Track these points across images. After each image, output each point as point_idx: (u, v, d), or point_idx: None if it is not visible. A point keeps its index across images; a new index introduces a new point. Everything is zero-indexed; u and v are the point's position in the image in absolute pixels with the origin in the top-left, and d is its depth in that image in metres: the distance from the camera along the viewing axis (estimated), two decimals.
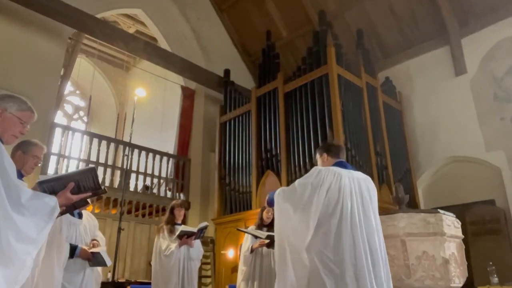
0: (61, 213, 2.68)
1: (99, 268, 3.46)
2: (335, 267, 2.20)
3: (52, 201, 1.76)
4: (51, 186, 1.86)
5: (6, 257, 1.54)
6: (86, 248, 3.21)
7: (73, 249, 3.13)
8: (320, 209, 2.32)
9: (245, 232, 4.33)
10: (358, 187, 2.45)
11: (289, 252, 2.37)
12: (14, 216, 1.58)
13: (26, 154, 2.38)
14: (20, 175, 2.24)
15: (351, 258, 2.22)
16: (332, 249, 2.24)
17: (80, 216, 3.30)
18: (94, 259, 3.24)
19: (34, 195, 1.72)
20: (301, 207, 2.36)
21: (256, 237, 4.20)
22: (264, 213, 4.38)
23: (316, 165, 2.71)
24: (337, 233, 2.27)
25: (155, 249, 4.13)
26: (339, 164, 2.58)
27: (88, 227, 3.38)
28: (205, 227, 4.18)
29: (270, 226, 4.35)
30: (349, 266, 2.20)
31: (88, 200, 2.75)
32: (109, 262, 3.35)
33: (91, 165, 2.25)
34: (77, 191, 1.91)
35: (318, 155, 2.77)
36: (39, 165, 2.64)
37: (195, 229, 4.06)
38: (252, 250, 4.22)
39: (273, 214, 4.33)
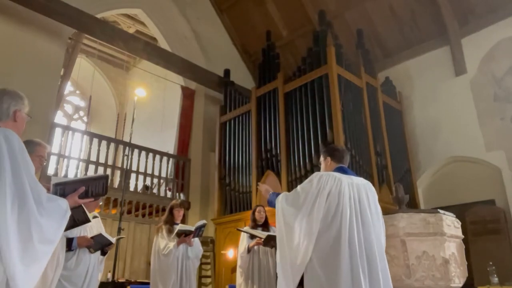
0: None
1: (101, 267, 3.45)
2: (332, 275, 2.23)
3: (64, 204, 1.79)
4: (62, 189, 1.91)
5: (30, 257, 1.55)
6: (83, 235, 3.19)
7: (70, 241, 3.09)
8: (321, 215, 2.35)
9: (245, 232, 4.33)
10: (358, 194, 2.47)
11: (289, 255, 2.40)
12: (38, 217, 1.60)
13: (31, 155, 2.37)
14: None
15: (347, 270, 2.22)
16: (332, 259, 2.26)
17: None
18: (96, 243, 3.24)
19: (50, 196, 1.75)
20: (303, 212, 2.39)
21: (253, 237, 4.21)
22: (256, 213, 4.41)
23: (317, 165, 2.73)
24: (335, 243, 2.28)
25: (154, 248, 4.14)
26: (340, 170, 2.61)
27: (96, 229, 3.37)
28: (203, 225, 4.18)
29: (265, 226, 4.37)
30: (346, 277, 2.21)
31: (90, 218, 2.77)
32: (112, 240, 3.36)
33: (102, 173, 2.30)
34: (84, 195, 1.97)
35: (322, 158, 2.79)
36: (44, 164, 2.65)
37: (192, 228, 4.07)
38: (249, 250, 4.23)
39: (265, 213, 4.40)
